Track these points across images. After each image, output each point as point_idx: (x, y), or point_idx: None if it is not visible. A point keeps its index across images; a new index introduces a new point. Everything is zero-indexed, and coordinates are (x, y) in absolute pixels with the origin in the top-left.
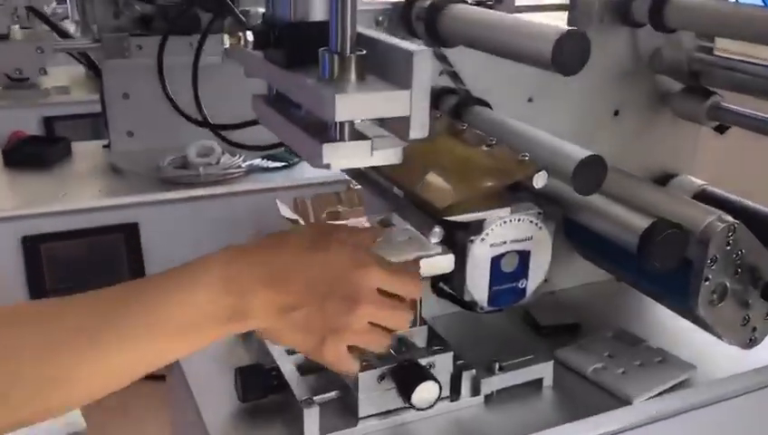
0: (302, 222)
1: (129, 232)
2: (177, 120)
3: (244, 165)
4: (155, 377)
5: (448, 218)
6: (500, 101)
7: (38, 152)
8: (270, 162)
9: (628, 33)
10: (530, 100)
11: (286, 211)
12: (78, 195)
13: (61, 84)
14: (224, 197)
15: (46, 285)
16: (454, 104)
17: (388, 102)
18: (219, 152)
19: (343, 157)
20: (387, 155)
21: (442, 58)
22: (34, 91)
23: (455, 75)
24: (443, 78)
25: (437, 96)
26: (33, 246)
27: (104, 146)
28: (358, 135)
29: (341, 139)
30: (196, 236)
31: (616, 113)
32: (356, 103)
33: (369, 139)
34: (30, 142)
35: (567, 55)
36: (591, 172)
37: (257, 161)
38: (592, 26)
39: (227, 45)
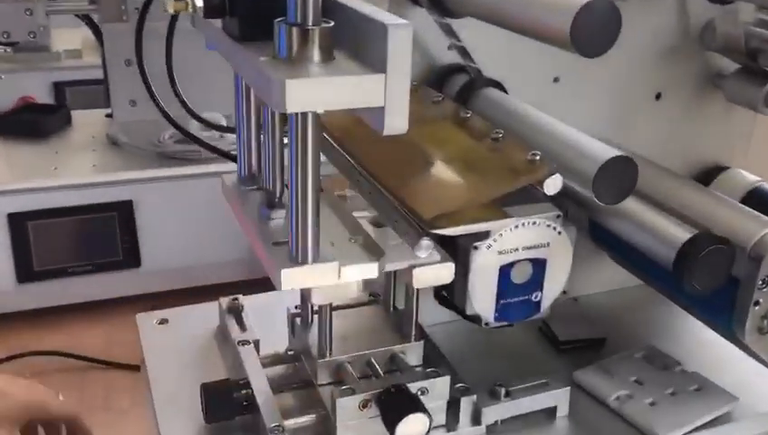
0: None
1: (123, 210)
2: (183, 88)
3: None
4: (135, 367)
5: (436, 232)
6: (519, 81)
7: (35, 121)
8: None
9: (674, 2)
10: (555, 80)
11: None
12: (70, 169)
13: (73, 48)
14: (227, 174)
15: (34, 266)
16: (460, 86)
17: (357, 90)
18: (225, 126)
19: (305, 282)
20: (360, 271)
21: (448, 30)
22: (44, 55)
23: (464, 51)
24: (452, 53)
25: (443, 75)
26: (20, 224)
27: (107, 115)
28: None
29: (304, 262)
30: (195, 216)
31: (658, 97)
32: (313, 91)
33: (334, 261)
34: (29, 110)
35: (589, 33)
36: (617, 177)
37: None
38: None
39: (170, 11)
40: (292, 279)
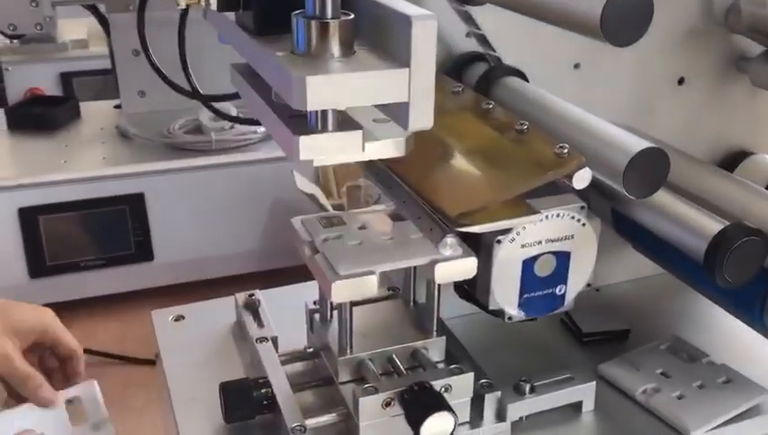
0: (319, 196)
1: (134, 203)
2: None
3: (260, 130)
4: (150, 362)
5: (462, 230)
6: (539, 67)
7: (44, 114)
8: None
9: None
10: (576, 66)
11: (303, 183)
12: (80, 162)
13: (79, 38)
14: (238, 165)
15: (46, 260)
16: (480, 75)
17: (381, 85)
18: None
19: (326, 152)
20: (385, 148)
21: (467, 17)
22: (51, 46)
23: (483, 39)
24: (469, 41)
25: (462, 64)
26: (31, 219)
27: (115, 106)
28: (346, 122)
29: (324, 129)
30: (207, 208)
31: (680, 81)
32: (336, 87)
33: (360, 128)
34: (37, 102)
35: (620, 21)
36: (648, 170)
37: None
38: None
39: (182, 5)
40: (312, 148)
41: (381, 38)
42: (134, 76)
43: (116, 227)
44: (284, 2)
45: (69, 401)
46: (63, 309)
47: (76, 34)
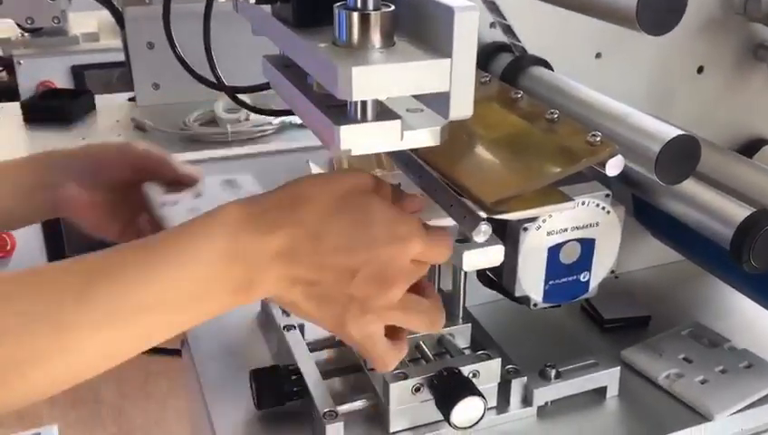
0: None
1: None
2: (207, 70)
3: (275, 122)
4: (171, 352)
5: (499, 217)
6: (562, 56)
7: (60, 107)
8: None
9: None
10: (598, 55)
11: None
12: None
13: (90, 30)
14: (253, 157)
15: (65, 251)
16: (507, 65)
17: (423, 75)
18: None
19: (366, 141)
20: (422, 136)
21: (493, 7)
22: (62, 39)
23: (508, 29)
24: (495, 31)
25: (488, 55)
26: None
27: (129, 99)
28: (384, 112)
29: (364, 119)
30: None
31: (700, 70)
32: (380, 78)
33: (399, 118)
34: (52, 96)
35: (656, 11)
36: (680, 157)
37: (290, 118)
38: None
39: None
40: (352, 138)
41: (421, 29)
42: (148, 69)
43: None
44: None
45: None
46: None
47: (87, 27)
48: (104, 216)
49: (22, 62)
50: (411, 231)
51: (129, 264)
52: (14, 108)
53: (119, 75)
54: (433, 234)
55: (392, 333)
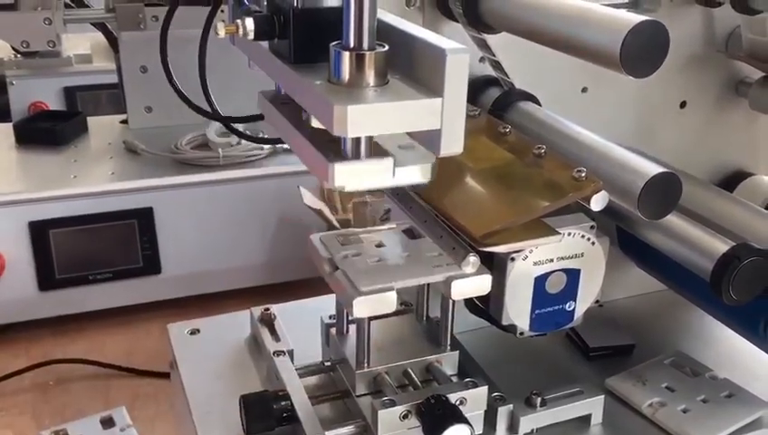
0: (326, 212)
1: (143, 217)
2: (199, 96)
3: (266, 147)
4: (160, 374)
5: (487, 250)
6: (549, 91)
7: (52, 128)
8: None
9: (700, 12)
10: (584, 90)
11: (310, 199)
12: (90, 177)
13: (83, 52)
14: (245, 181)
15: (56, 273)
16: (495, 99)
17: (415, 114)
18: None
19: (359, 178)
20: (413, 174)
21: (482, 44)
22: (55, 60)
23: (497, 65)
24: (482, 65)
25: (476, 88)
26: (41, 232)
27: (121, 122)
28: (377, 149)
29: (357, 156)
30: (214, 222)
31: (682, 105)
32: (374, 116)
33: (391, 156)
34: (44, 117)
35: (639, 53)
36: (662, 193)
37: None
38: (661, 8)
39: (222, 35)
40: (345, 174)
41: (414, 68)
42: (141, 92)
43: (125, 241)
44: (320, 33)
45: None
46: (72, 322)
47: (80, 49)
48: None
49: (14, 82)
50: None
51: None
52: (5, 129)
53: (107, 96)
54: None
55: None
